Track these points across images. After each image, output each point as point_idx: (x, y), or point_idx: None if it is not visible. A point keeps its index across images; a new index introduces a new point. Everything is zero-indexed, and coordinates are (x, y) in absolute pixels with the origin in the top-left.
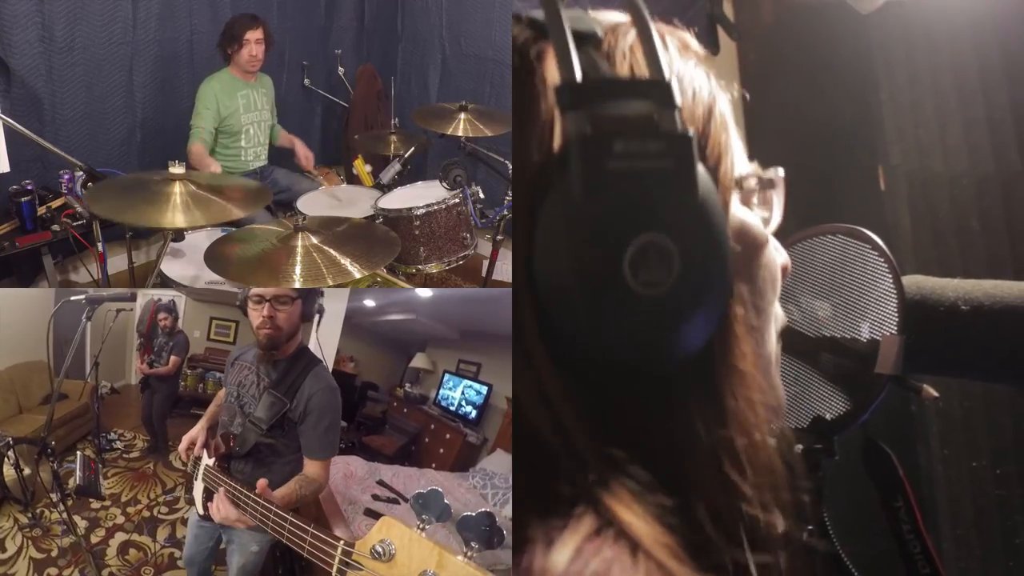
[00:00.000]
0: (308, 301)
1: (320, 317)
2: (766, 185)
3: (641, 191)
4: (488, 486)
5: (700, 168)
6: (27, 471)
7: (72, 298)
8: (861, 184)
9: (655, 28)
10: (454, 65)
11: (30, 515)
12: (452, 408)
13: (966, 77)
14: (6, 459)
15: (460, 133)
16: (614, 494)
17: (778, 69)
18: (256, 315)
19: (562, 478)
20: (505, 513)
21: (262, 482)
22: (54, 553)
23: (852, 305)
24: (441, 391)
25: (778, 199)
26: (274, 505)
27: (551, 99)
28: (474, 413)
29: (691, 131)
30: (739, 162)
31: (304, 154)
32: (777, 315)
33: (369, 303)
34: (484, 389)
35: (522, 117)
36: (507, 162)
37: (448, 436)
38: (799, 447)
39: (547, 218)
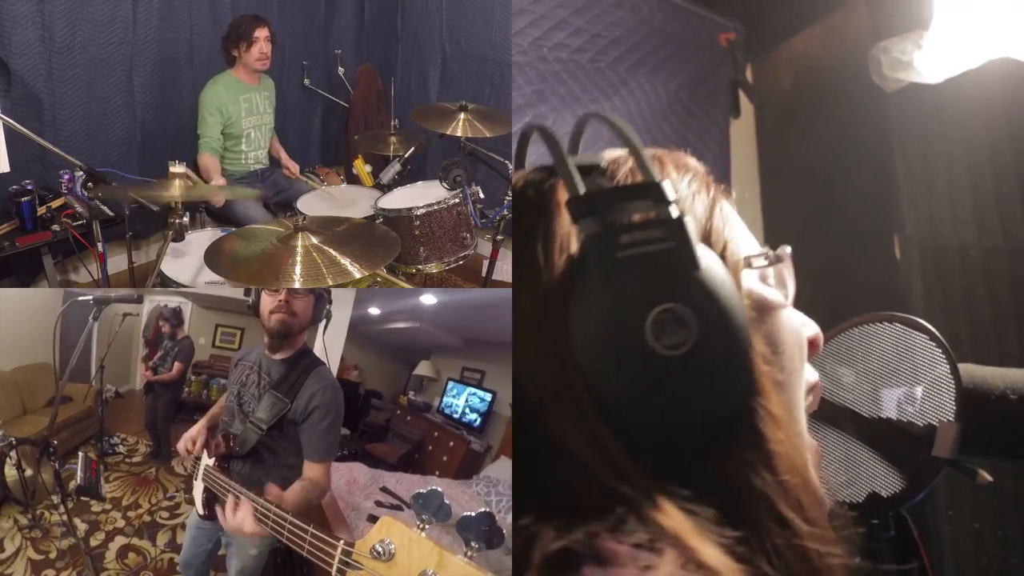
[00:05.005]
0: (318, 303)
1: (327, 323)
2: (774, 260)
3: (650, 270)
4: (492, 493)
5: (701, 246)
6: (29, 472)
7: (80, 299)
8: (876, 251)
9: (653, 152)
10: (454, 65)
11: (30, 516)
12: (456, 416)
13: (976, 154)
14: (8, 459)
15: (460, 133)
16: (682, 525)
17: (795, 134)
18: (271, 301)
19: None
20: (509, 520)
21: (275, 490)
22: (52, 555)
23: (909, 390)
24: (445, 398)
25: (788, 272)
26: (289, 513)
27: (566, 216)
28: (478, 420)
29: (686, 217)
30: (746, 245)
31: (288, 164)
32: (808, 375)
33: (373, 311)
34: (488, 396)
35: (547, 234)
36: (507, 162)
37: (452, 444)
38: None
39: (577, 308)
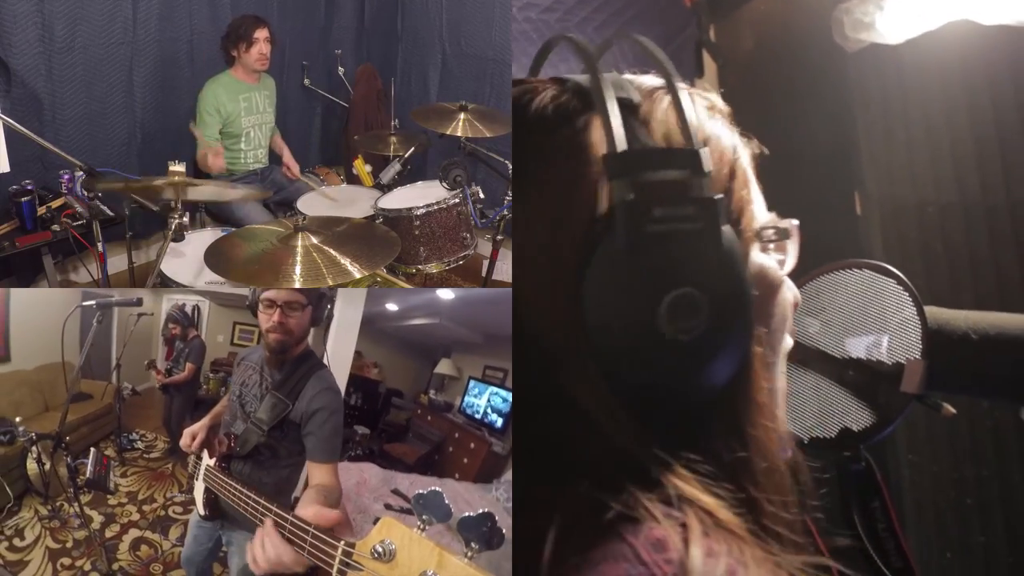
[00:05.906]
0: (318, 308)
1: (330, 323)
2: (783, 235)
3: (675, 250)
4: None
5: (725, 227)
6: (48, 466)
7: (84, 303)
8: (838, 208)
9: (687, 93)
10: (454, 65)
11: (49, 508)
12: (477, 416)
13: (933, 115)
14: (29, 454)
15: (460, 133)
16: (694, 485)
17: (757, 93)
18: (266, 319)
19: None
20: None
21: (314, 512)
22: (69, 544)
23: (878, 331)
24: (466, 398)
25: (793, 246)
26: (312, 527)
27: (598, 166)
28: (500, 421)
29: (717, 195)
30: (759, 213)
31: (289, 163)
32: (785, 345)
33: (392, 307)
34: (511, 396)
35: (573, 179)
36: (507, 162)
37: (472, 445)
38: (816, 464)
39: (595, 271)
